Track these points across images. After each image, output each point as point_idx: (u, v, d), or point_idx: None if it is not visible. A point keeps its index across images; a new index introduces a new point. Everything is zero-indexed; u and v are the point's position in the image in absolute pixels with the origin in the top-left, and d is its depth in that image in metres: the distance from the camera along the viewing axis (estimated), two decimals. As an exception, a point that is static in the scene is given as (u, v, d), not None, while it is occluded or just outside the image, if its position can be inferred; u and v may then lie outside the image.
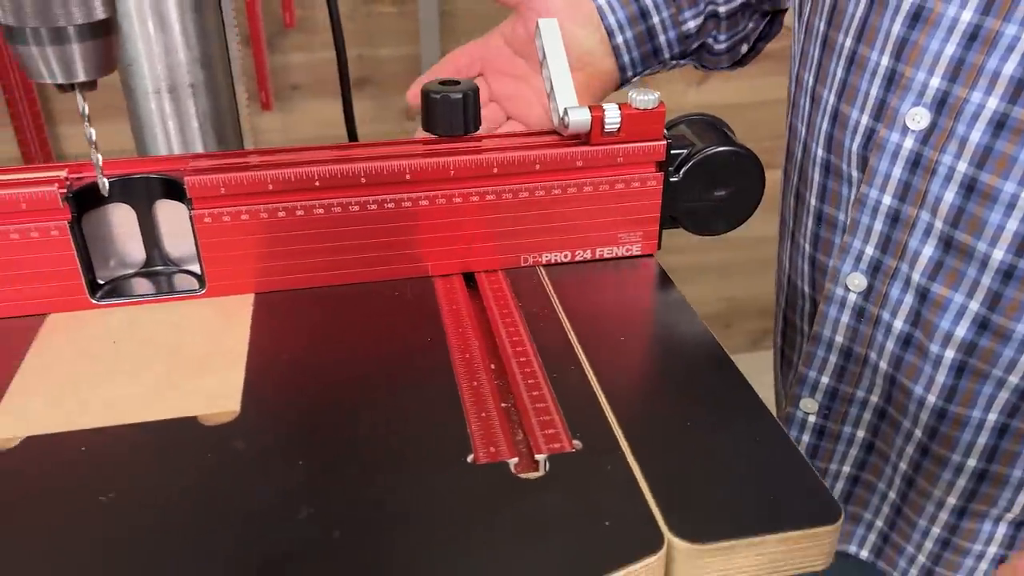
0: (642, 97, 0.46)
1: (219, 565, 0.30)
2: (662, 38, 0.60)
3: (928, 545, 0.56)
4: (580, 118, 0.46)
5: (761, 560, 0.32)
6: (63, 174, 0.44)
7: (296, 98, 1.58)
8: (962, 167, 0.44)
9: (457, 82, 0.48)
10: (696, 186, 0.50)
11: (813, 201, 0.55)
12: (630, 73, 0.60)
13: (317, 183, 0.45)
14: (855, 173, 0.50)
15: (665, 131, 0.48)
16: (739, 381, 0.40)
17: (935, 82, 0.44)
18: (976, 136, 0.43)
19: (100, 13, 0.35)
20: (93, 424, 0.38)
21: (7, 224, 0.43)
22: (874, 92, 0.47)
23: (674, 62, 0.63)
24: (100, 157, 0.41)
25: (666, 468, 0.35)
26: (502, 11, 0.61)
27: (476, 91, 0.48)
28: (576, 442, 0.36)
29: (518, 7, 0.58)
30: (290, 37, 1.53)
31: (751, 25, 0.64)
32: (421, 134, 0.55)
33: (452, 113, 0.47)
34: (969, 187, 0.44)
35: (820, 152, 0.53)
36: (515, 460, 0.36)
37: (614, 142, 0.47)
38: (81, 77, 0.36)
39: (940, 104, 0.44)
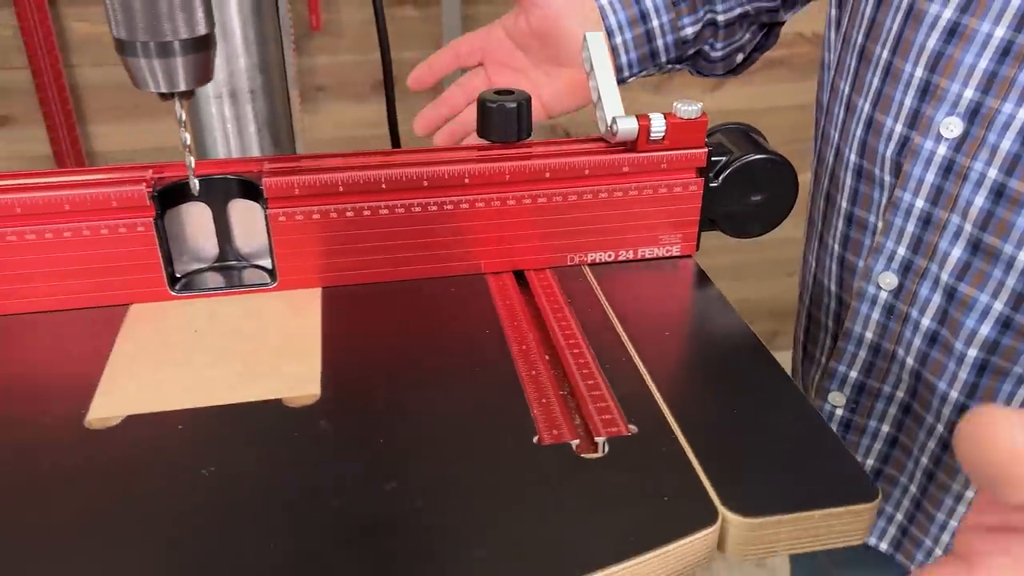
0: (686, 108, 0.50)
1: (321, 532, 0.34)
2: (660, 41, 0.63)
3: (945, 539, 0.59)
4: (628, 127, 0.49)
5: (805, 533, 0.36)
6: (149, 174, 0.47)
7: (321, 99, 1.62)
8: (992, 173, 0.47)
9: (511, 92, 0.52)
10: (734, 191, 0.53)
11: (844, 204, 0.58)
12: (627, 73, 0.63)
13: (383, 185, 0.49)
14: (888, 178, 0.53)
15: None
16: (778, 372, 0.44)
17: (968, 93, 0.47)
18: (1007, 144, 0.46)
19: (202, 28, 0.38)
20: (185, 405, 0.41)
21: (99, 220, 0.46)
22: (908, 102, 0.50)
23: (670, 66, 0.66)
24: (193, 160, 0.44)
25: (716, 450, 0.38)
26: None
27: (529, 100, 0.51)
28: (632, 426, 0.40)
29: (521, 1, 0.61)
30: (315, 40, 1.56)
31: (748, 36, 0.68)
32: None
33: (507, 121, 0.51)
34: (999, 192, 0.47)
35: (853, 157, 0.56)
36: (576, 442, 0.39)
37: (658, 149, 0.51)
38: (182, 87, 0.39)
39: (973, 114, 0.47)
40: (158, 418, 0.40)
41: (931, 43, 0.48)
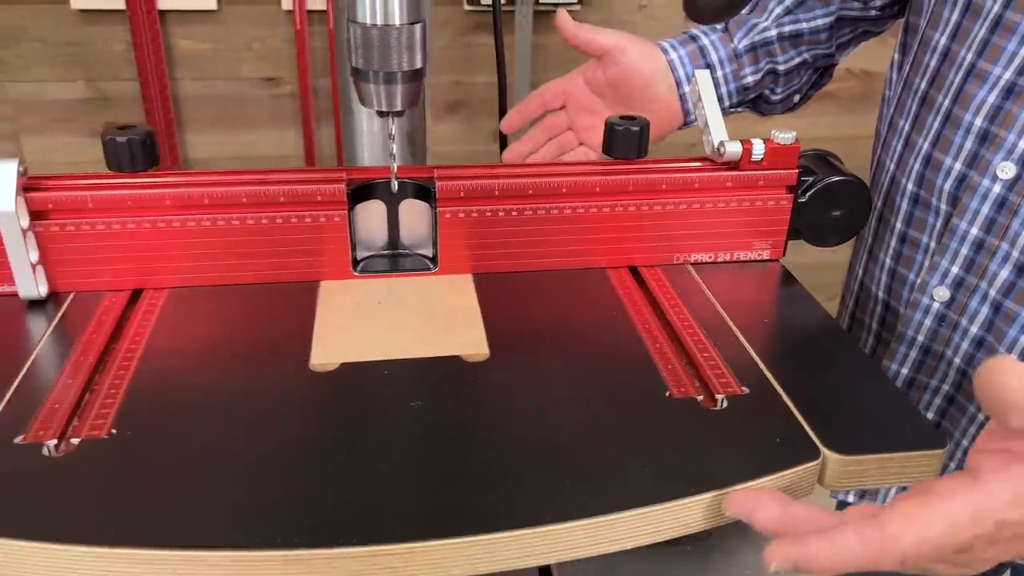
0: (782, 135, 0.60)
1: (511, 452, 0.44)
2: (723, 89, 0.73)
3: None
4: (734, 149, 0.60)
5: (888, 471, 0.45)
6: (343, 175, 0.58)
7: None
8: None
9: (633, 118, 0.62)
10: (818, 206, 0.63)
11: (899, 225, 0.67)
12: (692, 117, 0.73)
13: (530, 192, 0.59)
14: (944, 207, 0.63)
15: (796, 162, 0.62)
16: (858, 350, 0.53)
17: (1023, 144, 0.57)
18: None
19: (419, 63, 0.49)
20: (386, 357, 0.52)
21: (306, 210, 0.57)
22: (968, 145, 0.59)
23: (732, 109, 0.76)
24: (396, 165, 0.55)
25: (814, 406, 0.48)
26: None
27: (648, 126, 0.62)
28: (744, 387, 0.50)
29: (602, 57, 0.72)
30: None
31: (805, 78, 0.77)
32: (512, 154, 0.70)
33: (629, 141, 0.61)
34: None
35: (910, 186, 0.65)
36: (700, 397, 0.49)
37: (757, 169, 0.61)
38: (398, 107, 0.50)
39: None
40: (367, 365, 0.51)
41: (991, 98, 0.57)
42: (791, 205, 0.63)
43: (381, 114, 0.51)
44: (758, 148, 0.60)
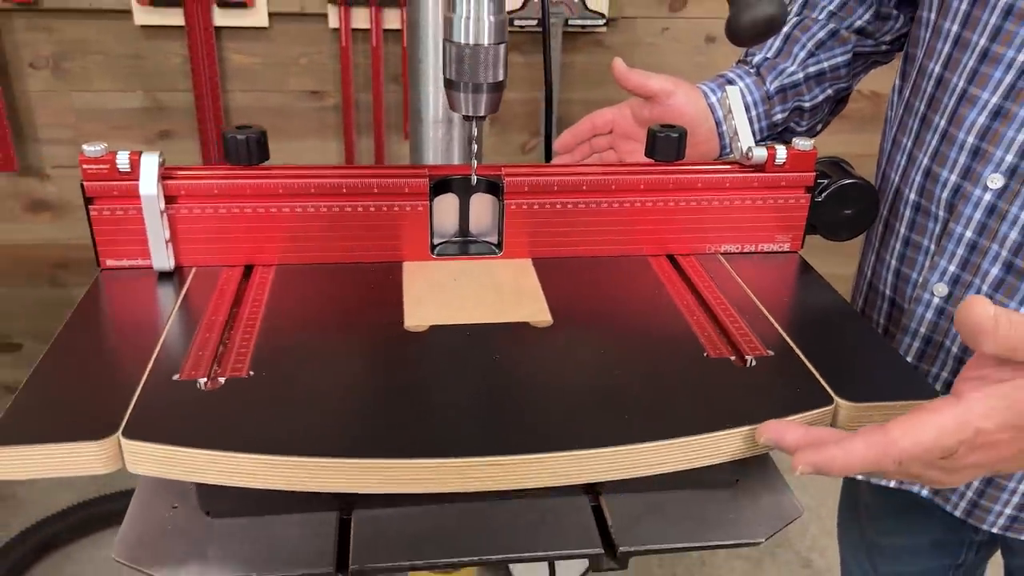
0: (802, 143, 0.70)
1: (576, 397, 0.54)
2: (756, 126, 0.83)
3: (975, 484, 0.76)
4: (760, 154, 0.70)
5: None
6: (426, 172, 0.68)
7: (432, 130, 1.84)
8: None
9: (673, 127, 0.72)
10: (832, 205, 0.72)
11: (902, 230, 0.77)
12: (728, 151, 0.82)
13: (584, 188, 0.69)
14: (942, 214, 0.72)
15: (813, 166, 0.71)
16: (869, 327, 0.63)
17: (1010, 158, 0.65)
18: None
19: (502, 76, 0.59)
20: (465, 321, 0.61)
21: (395, 200, 0.67)
22: (962, 160, 0.68)
23: (761, 141, 0.86)
24: (476, 162, 0.65)
25: (829, 367, 0.57)
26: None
27: (685, 133, 0.72)
28: (769, 351, 0.59)
29: (650, 98, 0.81)
30: (433, 78, 1.80)
31: (827, 110, 0.87)
32: None
33: (669, 146, 0.71)
34: None
35: (912, 196, 0.75)
36: (733, 358, 0.58)
37: (780, 171, 0.70)
38: (481, 113, 0.60)
39: (1012, 172, 0.65)
40: (452, 328, 0.61)
41: (981, 119, 0.67)
42: (809, 204, 0.72)
43: (467, 118, 0.61)
44: (781, 153, 0.70)
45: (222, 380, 0.54)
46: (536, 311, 0.63)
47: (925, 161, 0.72)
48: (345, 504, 0.58)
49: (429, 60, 0.75)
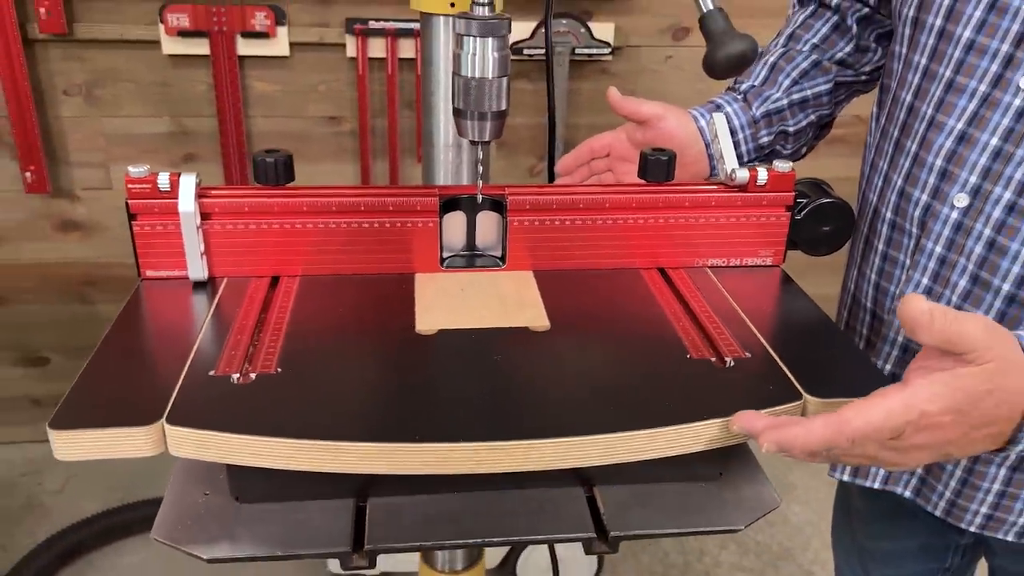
0: (782, 165, 0.76)
1: (570, 387, 0.60)
2: (743, 148, 0.89)
3: (952, 484, 0.81)
4: (743, 175, 0.76)
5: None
6: (436, 191, 0.75)
7: (445, 153, 1.92)
8: (987, 232, 0.70)
9: (663, 150, 0.78)
10: (811, 223, 0.78)
11: (880, 246, 0.82)
12: (717, 171, 0.88)
13: (581, 206, 0.76)
14: (915, 230, 0.77)
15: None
16: (839, 331, 0.68)
17: (973, 179, 0.71)
18: (996, 212, 0.69)
19: (504, 106, 0.66)
20: (471, 326, 0.68)
21: (407, 218, 0.74)
22: (932, 181, 0.74)
23: (749, 162, 0.91)
24: (482, 183, 0.72)
25: (801, 367, 0.63)
26: (621, 93, 0.89)
27: (675, 156, 0.78)
28: (747, 353, 0.65)
29: (643, 123, 0.86)
30: (445, 104, 1.87)
31: (811, 134, 0.93)
32: None
33: (659, 168, 0.77)
34: (990, 243, 0.70)
35: (888, 214, 0.80)
36: (713, 359, 0.64)
37: (761, 191, 0.77)
38: (486, 138, 0.67)
39: (975, 192, 0.71)
40: (458, 331, 0.67)
41: (948, 144, 0.72)
42: (789, 221, 0.78)
43: (473, 143, 0.68)
44: (762, 175, 0.76)
45: (253, 376, 0.60)
46: (535, 317, 0.69)
47: (899, 182, 0.78)
48: (361, 492, 0.64)
49: (440, 91, 0.82)
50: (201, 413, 0.56)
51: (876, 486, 0.86)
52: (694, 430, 0.57)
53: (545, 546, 1.31)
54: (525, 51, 1.82)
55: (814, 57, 0.89)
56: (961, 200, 0.72)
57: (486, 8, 0.63)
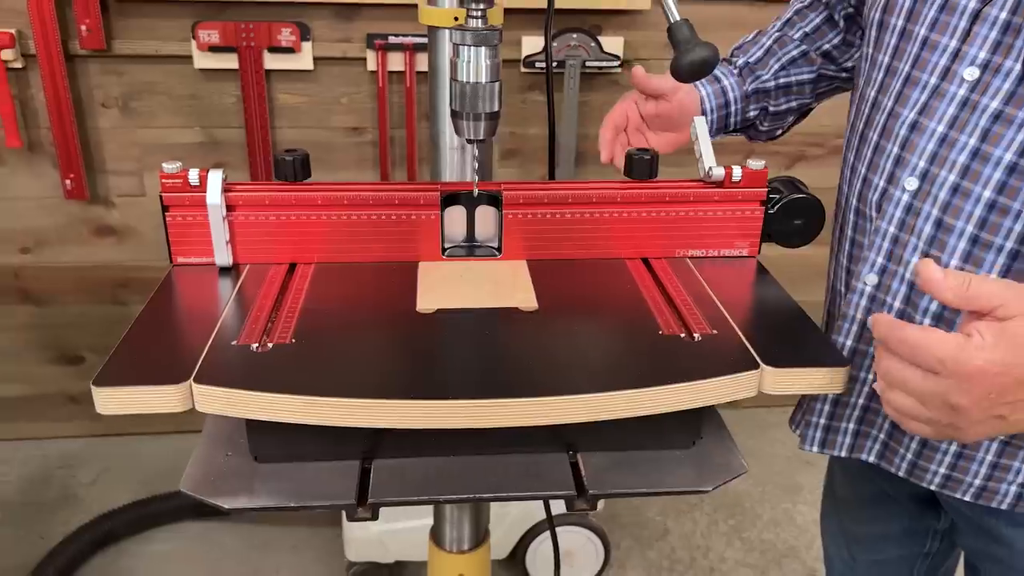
0: (755, 163, 0.83)
1: (552, 356, 0.67)
2: (733, 119, 0.97)
3: (913, 446, 0.84)
4: (719, 172, 0.83)
5: (805, 380, 0.67)
6: (438, 187, 0.82)
7: (460, 162, 2.01)
8: (935, 212, 0.76)
9: (646, 151, 0.85)
10: (783, 216, 0.85)
11: (849, 232, 0.87)
12: (715, 126, 0.96)
13: (570, 200, 0.83)
14: (873, 214, 0.83)
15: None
16: (802, 314, 0.75)
17: (921, 164, 0.77)
18: (942, 194, 0.76)
19: (496, 107, 0.74)
20: (466, 305, 0.75)
21: (412, 211, 0.82)
22: (887, 166, 0.80)
23: (733, 132, 1.00)
24: (477, 179, 0.80)
25: (761, 342, 0.70)
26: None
27: (657, 156, 0.85)
28: (714, 330, 0.72)
29: (662, 96, 0.94)
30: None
31: (790, 119, 1.01)
32: None
33: (643, 166, 0.85)
34: (937, 223, 0.76)
35: (854, 202, 0.86)
36: (683, 334, 0.71)
37: (737, 187, 0.84)
38: (481, 137, 0.74)
39: (924, 176, 0.77)
40: (455, 311, 0.74)
41: (902, 131, 0.79)
42: (763, 215, 0.85)
43: (469, 141, 0.76)
44: (737, 172, 0.83)
45: (270, 345, 0.68)
46: (525, 299, 0.77)
47: (862, 170, 0.84)
48: (367, 454, 0.71)
49: (445, 99, 0.90)
50: (224, 374, 0.64)
51: (843, 454, 0.90)
52: (662, 392, 0.64)
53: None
54: (537, 64, 1.90)
55: (803, 47, 0.97)
56: (911, 184, 0.77)
57: (480, 20, 0.71)
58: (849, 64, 0.97)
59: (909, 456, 0.85)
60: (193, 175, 0.79)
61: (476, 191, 0.82)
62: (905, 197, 0.78)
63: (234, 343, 0.68)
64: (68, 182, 1.89)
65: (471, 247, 0.86)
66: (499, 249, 0.85)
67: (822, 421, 0.86)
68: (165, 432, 2.15)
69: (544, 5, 0.85)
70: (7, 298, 2.04)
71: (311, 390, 0.62)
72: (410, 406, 0.62)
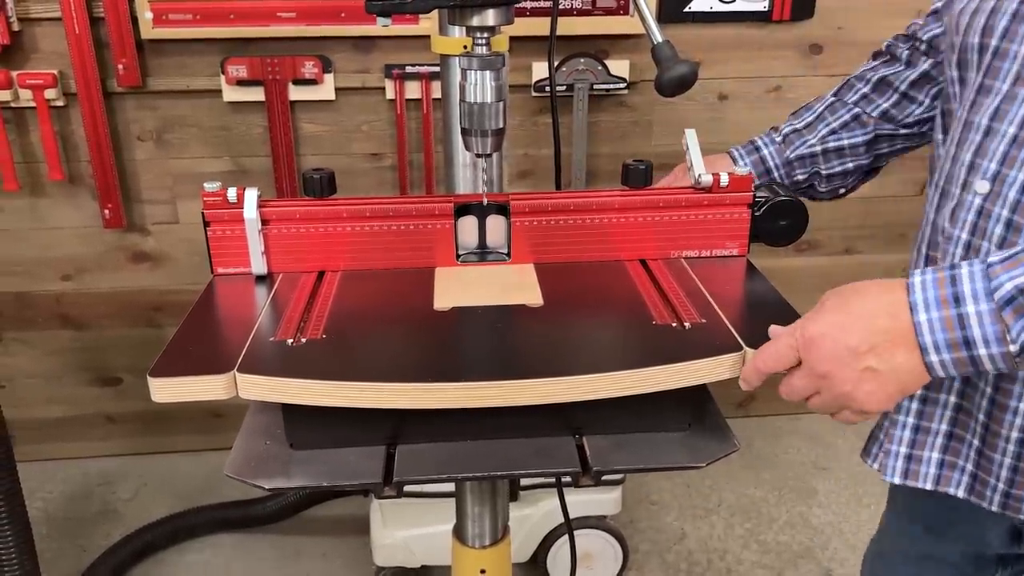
0: (740, 169, 0.90)
1: (557, 346, 0.74)
2: (777, 179, 1.00)
3: (1004, 473, 0.78)
4: (707, 179, 0.90)
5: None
6: (451, 199, 0.91)
7: (476, 184, 2.10)
8: (1004, 213, 0.73)
9: (642, 161, 0.93)
10: (769, 218, 0.92)
11: (924, 249, 0.84)
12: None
13: (572, 208, 0.91)
14: (946, 225, 0.78)
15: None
16: (785, 303, 0.82)
17: (993, 166, 0.74)
18: (1012, 194, 0.72)
19: (502, 124, 0.82)
20: (478, 304, 0.83)
21: (428, 220, 0.90)
22: (962, 175, 0.77)
23: (785, 192, 1.02)
24: (485, 189, 0.88)
25: (746, 328, 0.77)
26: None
27: (651, 166, 0.93)
28: (703, 320, 0.79)
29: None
30: (476, 139, 2.06)
31: (853, 178, 1.00)
32: None
33: (639, 175, 0.92)
34: (1008, 224, 0.73)
35: (932, 216, 0.82)
36: (674, 323, 0.79)
37: (725, 192, 0.91)
38: (487, 151, 0.83)
39: (995, 178, 0.74)
40: (469, 308, 0.82)
41: (977, 137, 0.78)
42: (750, 217, 0.92)
43: (478, 156, 0.84)
44: (724, 178, 0.90)
45: (304, 340, 0.76)
46: (532, 297, 0.84)
47: (941, 183, 0.81)
48: (391, 440, 0.79)
49: (457, 121, 0.99)
50: (263, 365, 0.72)
51: (928, 486, 0.85)
52: (656, 372, 0.71)
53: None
54: (547, 88, 1.99)
55: (856, 111, 0.99)
56: (984, 187, 0.75)
57: (484, 47, 0.80)
58: (910, 120, 0.97)
59: (1001, 486, 0.80)
60: (231, 193, 0.88)
61: (485, 201, 0.90)
62: (977, 201, 0.76)
63: (271, 339, 0.77)
64: (106, 212, 2.00)
65: (483, 253, 0.94)
66: (508, 254, 0.93)
67: (903, 450, 0.85)
68: (198, 450, 2.24)
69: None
70: (49, 323, 2.14)
71: (341, 376, 0.70)
72: (430, 388, 0.69)
